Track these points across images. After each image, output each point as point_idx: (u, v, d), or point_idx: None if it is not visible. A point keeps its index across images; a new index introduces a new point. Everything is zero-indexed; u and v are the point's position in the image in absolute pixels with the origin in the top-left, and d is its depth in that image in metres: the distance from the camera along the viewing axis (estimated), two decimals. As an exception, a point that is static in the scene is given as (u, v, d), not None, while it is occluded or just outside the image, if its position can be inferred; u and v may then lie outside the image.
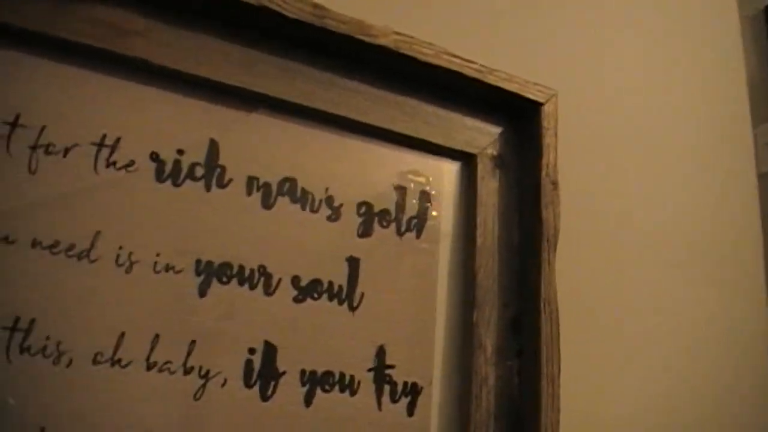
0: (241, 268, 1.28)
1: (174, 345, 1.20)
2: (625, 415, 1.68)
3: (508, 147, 1.62)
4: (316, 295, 1.34)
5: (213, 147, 1.31)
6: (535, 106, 1.60)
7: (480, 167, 1.57)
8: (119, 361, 1.15)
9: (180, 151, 1.28)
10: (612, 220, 1.83)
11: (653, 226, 1.90)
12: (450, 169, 1.57)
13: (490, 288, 1.50)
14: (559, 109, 1.65)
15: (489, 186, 1.57)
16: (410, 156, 1.53)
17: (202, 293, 1.24)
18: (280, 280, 1.32)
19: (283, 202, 1.35)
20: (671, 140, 2.03)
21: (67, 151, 1.18)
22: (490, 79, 1.55)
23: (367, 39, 1.40)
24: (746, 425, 1.91)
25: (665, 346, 1.81)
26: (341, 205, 1.42)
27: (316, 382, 1.31)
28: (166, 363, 1.19)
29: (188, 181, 1.28)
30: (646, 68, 2.06)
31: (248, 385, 1.25)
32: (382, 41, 1.41)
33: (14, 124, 1.14)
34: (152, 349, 1.18)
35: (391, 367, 1.39)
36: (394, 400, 1.38)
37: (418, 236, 1.46)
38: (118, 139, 1.23)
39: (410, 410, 1.39)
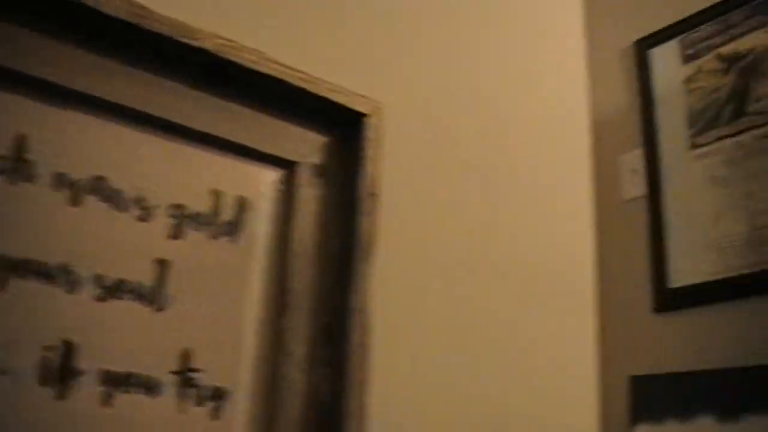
0: (43, 264, 1.35)
1: (-35, 340, 1.21)
2: (438, 425, 1.85)
3: (331, 157, 1.75)
4: (121, 295, 1.43)
5: (21, 141, 1.38)
6: (359, 118, 1.73)
7: (300, 175, 1.69)
8: None
9: (-17, 144, 1.30)
10: (436, 234, 1.97)
11: (480, 242, 2.07)
12: (270, 176, 1.68)
13: (304, 295, 1.62)
14: (387, 122, 1.81)
15: (309, 194, 1.69)
16: (229, 161, 1.63)
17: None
18: (83, 278, 1.39)
19: (92, 200, 1.42)
20: (509, 163, 2.22)
21: None
22: (316, 89, 1.66)
23: (188, 41, 1.49)
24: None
25: (485, 359, 1.97)
26: (153, 206, 1.50)
27: (116, 382, 1.39)
28: (-44, 359, 1.20)
29: (-9, 174, 1.29)
30: (492, 90, 2.26)
31: (43, 383, 1.32)
32: (204, 44, 1.50)
33: None
34: (-60, 343, 1.20)
35: (197, 370, 1.49)
36: (198, 404, 1.48)
37: (232, 241, 1.58)
38: None
39: (215, 414, 1.49)
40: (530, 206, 2.23)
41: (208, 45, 1.46)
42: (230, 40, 1.51)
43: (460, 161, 2.06)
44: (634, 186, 2.26)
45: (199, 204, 1.49)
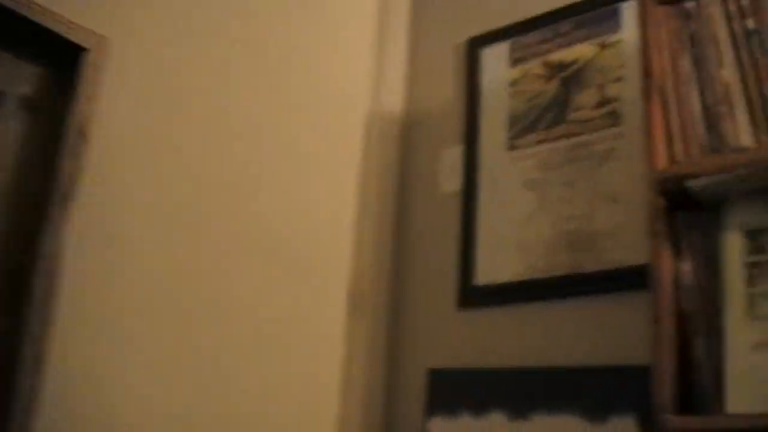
0: None
1: None
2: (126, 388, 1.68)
3: (44, 91, 1.57)
4: None
5: None
6: (78, 51, 1.56)
7: (5, 107, 1.52)
8: None
9: None
10: (153, 186, 1.80)
11: (212, 206, 1.94)
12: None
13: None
14: (112, 60, 1.62)
15: (13, 128, 1.52)
16: None
17: None
18: None
19: None
20: (256, 124, 2.10)
21: None
22: (34, 15, 1.48)
23: None
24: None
25: (200, 327, 1.86)
26: None
27: None
28: None
29: None
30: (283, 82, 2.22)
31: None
32: None
33: None
34: None
35: None
36: None
37: None
38: None
39: None
40: (281, 179, 2.15)
41: None
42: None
43: (190, 114, 1.91)
44: (452, 181, 2.27)
45: None
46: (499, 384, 1.98)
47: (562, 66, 2.14)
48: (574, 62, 2.11)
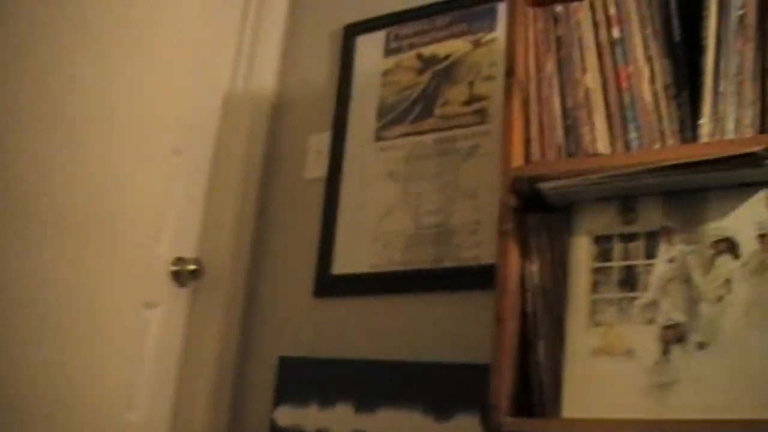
0: None
1: None
2: None
3: None
4: None
5: None
6: None
7: None
8: None
9: None
10: None
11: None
12: None
13: None
14: None
15: None
16: None
17: None
18: None
19: None
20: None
21: None
22: None
23: None
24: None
25: None
26: None
27: None
28: None
29: None
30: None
31: None
32: None
33: None
34: None
35: None
36: None
37: None
38: None
39: None
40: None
41: None
42: None
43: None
44: (317, 167, 2.22)
45: None
46: (348, 375, 1.94)
47: (435, 60, 2.11)
48: (447, 57, 2.09)
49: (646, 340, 1.28)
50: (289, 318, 2.13)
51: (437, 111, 2.04)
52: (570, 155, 1.45)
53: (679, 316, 1.27)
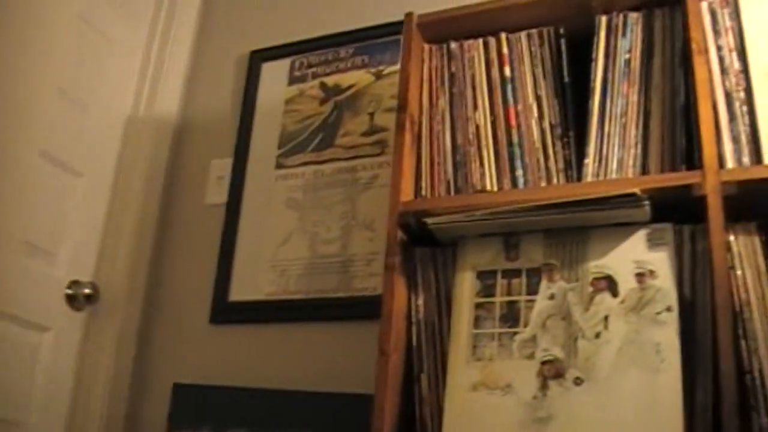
0: None
1: None
2: None
3: None
4: None
5: None
6: None
7: None
8: None
9: None
10: None
11: None
12: None
13: None
14: None
15: None
16: None
17: None
18: None
19: None
20: None
21: None
22: None
23: None
24: None
25: None
26: None
27: None
28: None
29: None
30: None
31: None
32: None
33: None
34: None
35: None
36: None
37: None
38: None
39: None
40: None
41: None
42: None
43: None
44: (218, 193, 2.19)
45: None
46: (242, 403, 1.90)
47: (337, 90, 2.11)
48: (349, 87, 2.09)
49: (524, 375, 1.28)
50: (185, 344, 2.08)
51: (338, 141, 2.03)
52: (458, 191, 1.45)
53: (557, 352, 1.28)
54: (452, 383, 1.32)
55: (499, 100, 1.50)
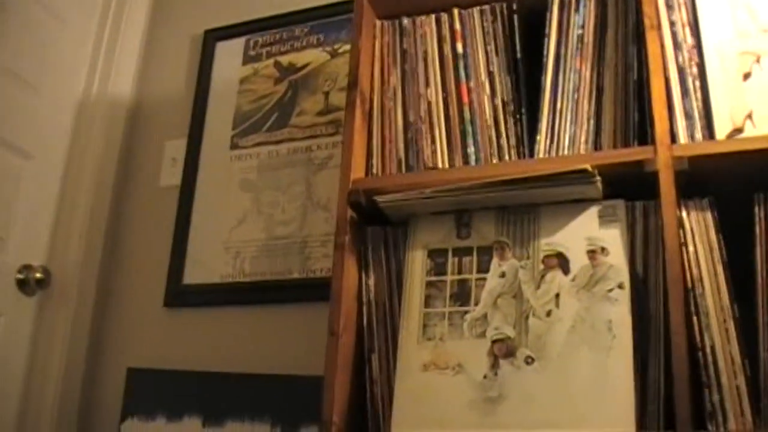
0: None
1: None
2: None
3: None
4: None
5: None
6: None
7: None
8: None
9: None
10: None
11: None
12: None
13: None
14: None
15: None
16: None
17: None
18: None
19: None
20: None
21: None
22: None
23: None
24: None
25: None
26: None
27: None
28: None
29: None
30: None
31: None
32: None
33: None
34: None
35: None
36: None
37: None
38: None
39: None
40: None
41: None
42: None
43: None
44: (172, 175, 2.13)
45: None
46: (195, 388, 1.86)
47: (292, 69, 2.06)
48: (304, 66, 2.04)
49: (475, 354, 1.25)
50: (139, 329, 2.03)
51: (293, 120, 1.98)
52: (410, 169, 1.41)
53: (508, 331, 1.25)
54: (403, 363, 1.29)
55: (451, 76, 1.46)
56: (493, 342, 1.25)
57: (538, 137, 1.36)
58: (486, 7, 1.48)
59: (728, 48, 1.28)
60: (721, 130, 1.24)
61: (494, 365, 1.24)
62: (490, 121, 1.41)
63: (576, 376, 1.19)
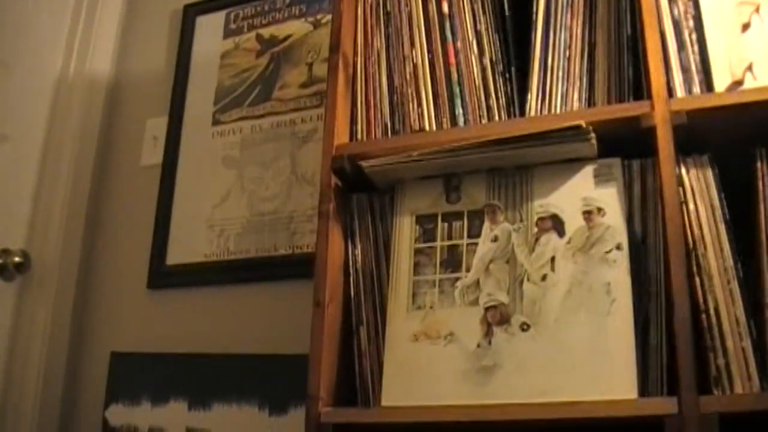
0: None
1: None
2: None
3: None
4: None
5: None
6: None
7: None
8: None
9: None
10: None
11: None
12: None
13: None
14: None
15: None
16: None
17: None
18: None
19: None
20: None
21: None
22: None
23: None
24: None
25: None
26: None
27: None
28: None
29: None
30: None
31: None
32: None
33: None
34: None
35: None
36: None
37: None
38: None
39: None
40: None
41: None
42: None
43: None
44: (153, 154, 2.05)
45: None
46: (181, 371, 1.79)
47: (274, 41, 1.98)
48: (286, 38, 1.97)
49: (468, 322, 1.18)
50: (122, 311, 1.96)
51: (275, 94, 1.91)
52: (396, 133, 1.34)
53: (502, 297, 1.18)
54: (392, 334, 1.22)
55: (437, 37, 1.38)
56: (486, 309, 1.18)
57: (528, 96, 1.29)
58: (472, -37, 1.40)
59: (726, -2, 1.21)
60: (720, 84, 1.17)
61: (488, 333, 1.17)
62: (479, 82, 1.33)
63: (574, 342, 1.12)
